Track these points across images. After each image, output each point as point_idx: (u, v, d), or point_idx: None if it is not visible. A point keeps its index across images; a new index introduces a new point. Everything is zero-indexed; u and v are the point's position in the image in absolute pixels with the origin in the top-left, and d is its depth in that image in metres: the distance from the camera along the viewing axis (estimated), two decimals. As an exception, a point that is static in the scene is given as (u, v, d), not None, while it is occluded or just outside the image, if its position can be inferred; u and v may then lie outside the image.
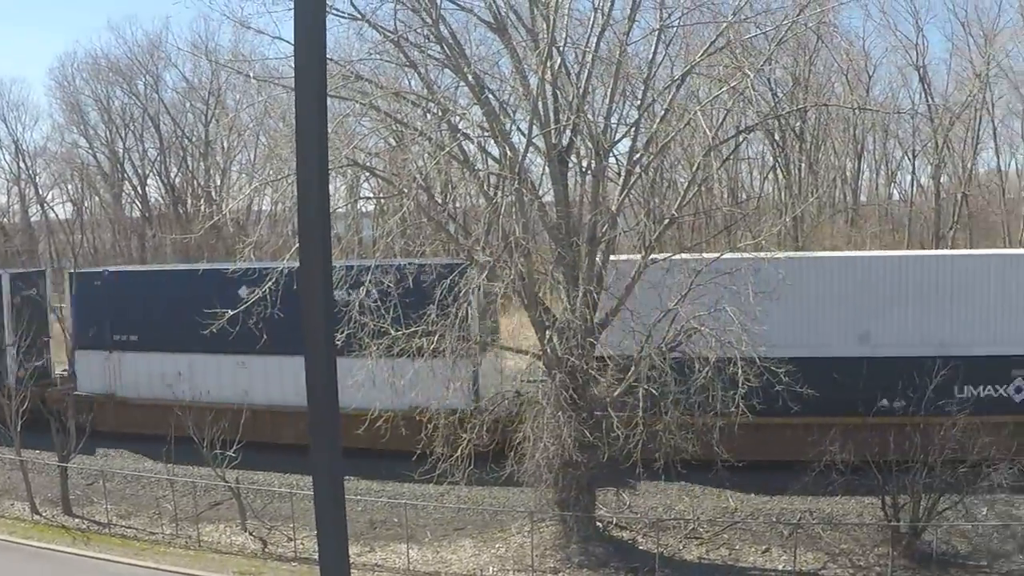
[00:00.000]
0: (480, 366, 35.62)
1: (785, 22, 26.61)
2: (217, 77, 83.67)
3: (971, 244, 78.73)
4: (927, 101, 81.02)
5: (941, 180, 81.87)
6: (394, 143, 29.51)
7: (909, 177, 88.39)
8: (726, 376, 25.64)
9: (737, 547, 29.76)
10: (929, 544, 28.82)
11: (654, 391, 25.83)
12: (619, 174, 28.45)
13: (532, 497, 30.27)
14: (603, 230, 27.81)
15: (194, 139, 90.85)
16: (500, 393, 31.02)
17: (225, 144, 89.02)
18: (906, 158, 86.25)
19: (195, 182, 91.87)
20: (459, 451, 26.53)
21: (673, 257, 28.62)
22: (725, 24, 26.04)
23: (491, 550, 30.16)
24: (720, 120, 28.91)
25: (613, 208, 28.26)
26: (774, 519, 30.87)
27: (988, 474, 28.31)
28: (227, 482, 32.21)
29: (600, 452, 26.92)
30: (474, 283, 26.33)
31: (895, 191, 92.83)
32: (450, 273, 26.75)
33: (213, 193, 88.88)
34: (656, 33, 27.08)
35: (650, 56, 27.52)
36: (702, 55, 26.59)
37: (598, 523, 29.92)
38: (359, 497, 32.85)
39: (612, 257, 29.16)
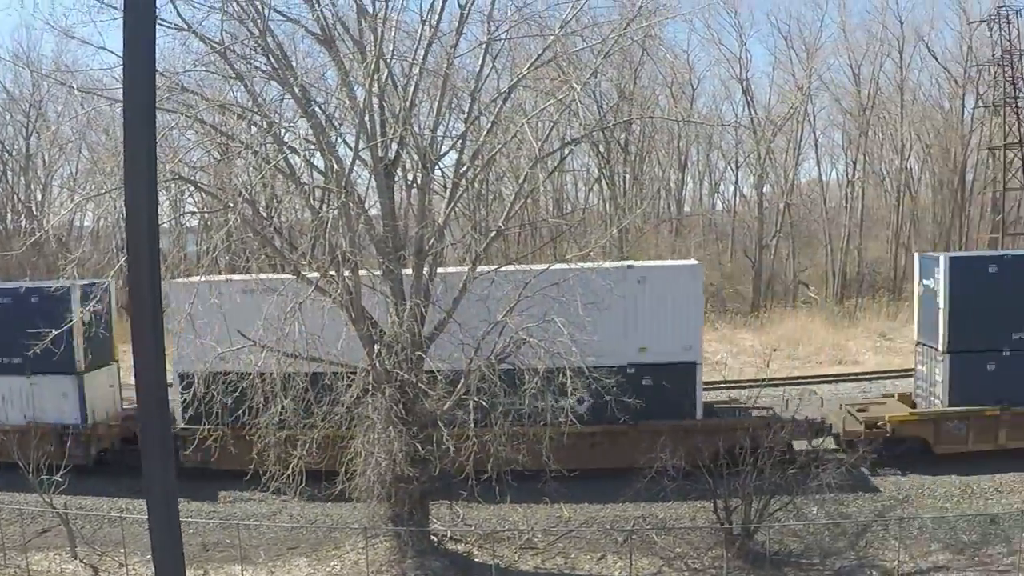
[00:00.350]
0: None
1: (612, 35, 26.94)
2: (39, 88, 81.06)
3: (793, 252, 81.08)
4: (750, 113, 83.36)
5: (764, 190, 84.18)
6: (219, 156, 28.92)
7: (732, 187, 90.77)
8: (555, 386, 25.78)
9: (573, 556, 29.90)
10: (762, 545, 29.44)
11: (484, 403, 25.81)
12: (445, 187, 28.36)
13: (366, 513, 29.94)
14: (430, 243, 27.69)
15: (14, 152, 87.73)
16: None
17: (46, 158, 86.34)
18: (729, 169, 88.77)
19: (15, 197, 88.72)
20: (290, 468, 26.12)
21: (500, 269, 28.64)
22: (552, 37, 26.20)
23: (326, 568, 29.74)
24: (546, 132, 29.12)
25: (440, 221, 28.17)
26: (608, 526, 31.13)
27: (817, 474, 29.09)
28: (55, 508, 31.10)
29: (432, 466, 26.78)
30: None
31: (718, 201, 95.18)
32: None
33: (34, 208, 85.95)
34: (483, 46, 27.12)
35: (477, 69, 27.56)
36: (529, 68, 26.72)
37: (433, 537, 29.73)
38: (190, 519, 32.06)
39: (440, 270, 29.03)
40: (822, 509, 32.28)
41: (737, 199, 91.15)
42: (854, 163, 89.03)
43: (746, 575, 28.70)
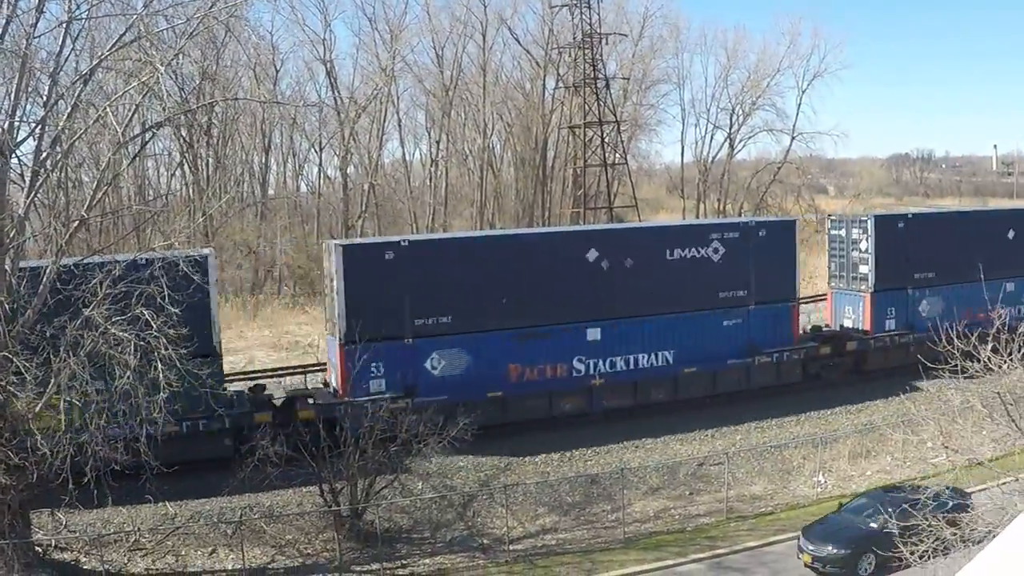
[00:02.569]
0: None
1: (197, 15, 26.06)
2: None
3: (379, 231, 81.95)
4: (334, 95, 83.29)
5: (348, 171, 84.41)
6: None
7: (316, 169, 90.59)
8: (148, 380, 24.70)
9: (183, 553, 29.08)
10: (372, 523, 29.71)
11: (77, 402, 24.45)
12: (24, 176, 26.55)
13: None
14: (11, 236, 25.88)
15: None
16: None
17: None
18: (313, 151, 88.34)
19: None
20: None
21: (85, 260, 27.21)
22: (135, 17, 25.08)
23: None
24: (129, 116, 27.92)
25: (20, 212, 26.37)
26: (216, 519, 30.39)
27: (419, 450, 29.48)
28: None
29: (29, 472, 25.11)
30: None
31: (303, 184, 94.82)
32: None
33: None
34: (64, 26, 25.55)
35: (57, 49, 25.94)
36: (111, 49, 25.47)
37: (37, 548, 27.96)
38: None
39: (22, 264, 27.19)
40: (427, 483, 32.87)
41: (322, 181, 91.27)
42: (437, 143, 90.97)
43: (359, 555, 28.86)
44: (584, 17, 66.79)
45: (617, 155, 72.37)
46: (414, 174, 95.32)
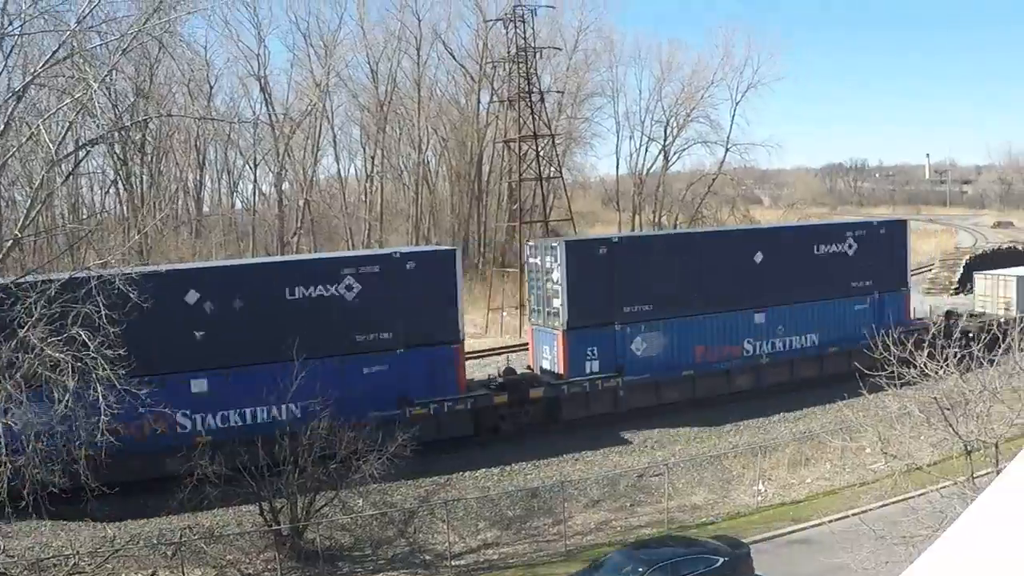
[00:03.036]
0: None
1: (130, 31, 25.84)
2: None
3: (315, 248, 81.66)
4: (268, 111, 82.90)
5: (283, 187, 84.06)
6: None
7: (251, 186, 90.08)
8: (88, 402, 24.33)
9: (123, 575, 28.64)
10: (313, 542, 29.49)
11: (13, 424, 24.08)
12: (-44, 195, 26.23)
13: None
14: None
15: None
16: None
17: None
18: (248, 167, 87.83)
19: None
20: None
21: (20, 280, 26.80)
22: (68, 33, 24.81)
23: None
24: (62, 134, 27.60)
25: (-48, 232, 26.01)
26: (155, 541, 30.02)
27: (358, 467, 29.33)
28: None
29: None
30: None
31: (238, 200, 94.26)
32: None
33: None
34: (-5, 41, 25.25)
35: (-12, 66, 25.64)
36: (44, 66, 25.17)
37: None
38: None
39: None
40: (367, 500, 32.72)
41: (257, 197, 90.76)
42: (372, 158, 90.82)
43: (300, 574, 28.70)
44: (518, 31, 66.88)
45: (552, 168, 72.59)
46: (349, 190, 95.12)
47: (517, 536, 31.41)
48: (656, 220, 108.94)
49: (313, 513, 29.47)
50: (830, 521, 30.50)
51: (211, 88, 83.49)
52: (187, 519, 31.06)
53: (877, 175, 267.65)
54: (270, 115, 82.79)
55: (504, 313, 67.28)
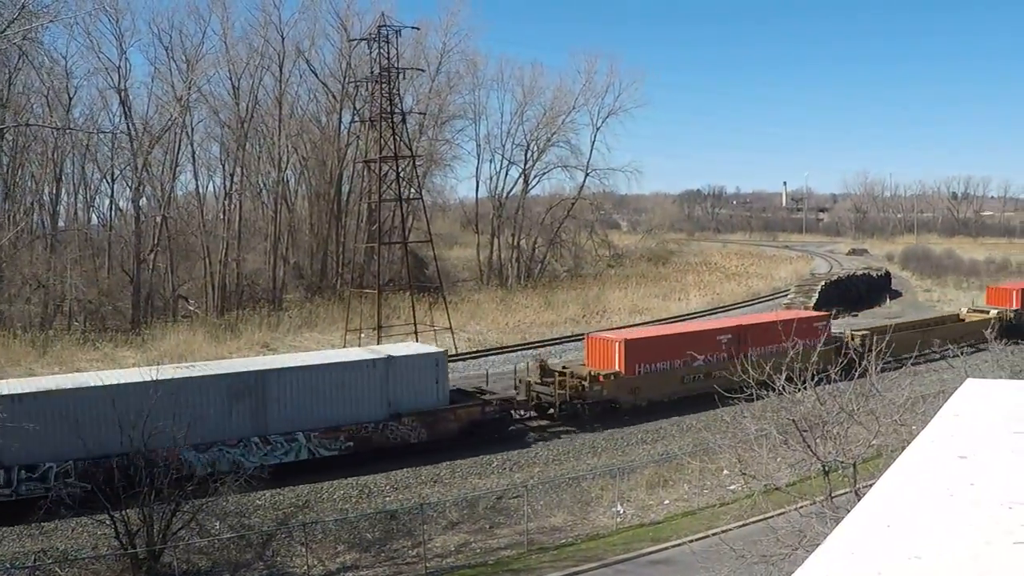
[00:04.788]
0: None
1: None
2: None
3: (172, 266, 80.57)
4: (128, 124, 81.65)
5: (141, 203, 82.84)
6: None
7: (108, 201, 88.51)
8: None
9: (-29, 603, 28.05)
10: (170, 565, 29.14)
11: None
12: None
13: None
14: None
15: None
16: None
17: None
18: (105, 182, 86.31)
19: None
20: None
21: None
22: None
23: None
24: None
25: None
26: (8, 565, 29.37)
27: (216, 488, 29.17)
28: None
29: None
30: None
31: (95, 215, 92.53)
32: None
33: None
34: None
35: None
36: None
37: None
38: None
39: None
40: (225, 523, 32.48)
41: (114, 213, 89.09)
42: (231, 175, 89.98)
43: (159, 596, 28.35)
44: (382, 51, 67.04)
45: (412, 190, 72.92)
46: (207, 207, 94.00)
47: (376, 559, 31.47)
48: (515, 243, 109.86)
49: (170, 536, 29.17)
50: (690, 541, 31.00)
51: (70, 99, 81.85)
52: (41, 542, 30.49)
53: (734, 202, 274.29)
54: (129, 129, 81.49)
55: (362, 335, 67.09)
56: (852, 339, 51.83)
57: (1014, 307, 69.12)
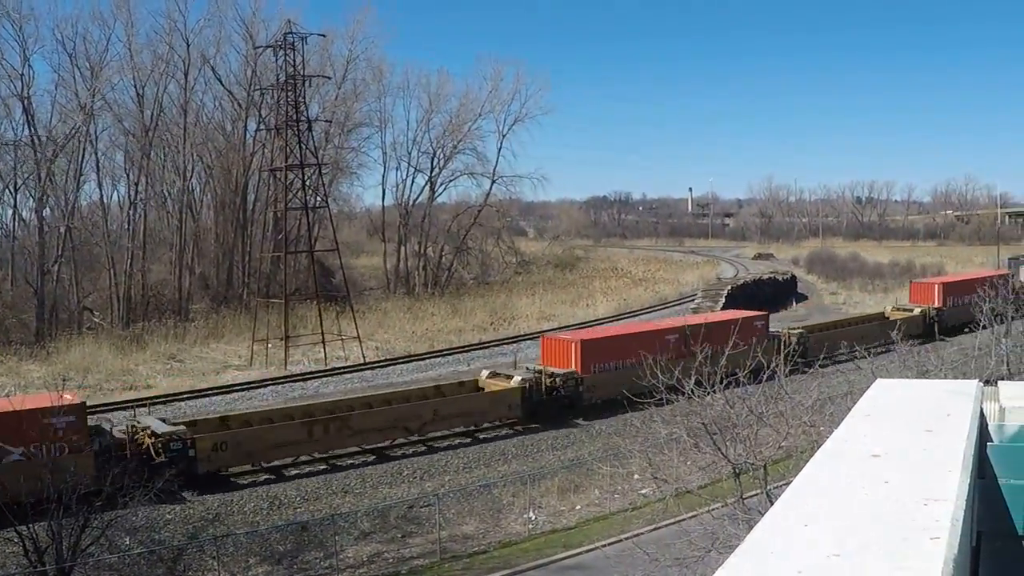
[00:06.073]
0: None
1: None
2: None
3: (76, 277, 79.53)
4: (31, 133, 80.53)
5: (44, 213, 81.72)
6: None
7: (11, 211, 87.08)
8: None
9: None
10: (80, 583, 28.94)
11: None
12: None
13: None
14: None
15: None
16: None
17: None
18: (8, 192, 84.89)
19: None
20: None
21: None
22: None
23: None
24: None
25: None
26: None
27: (125, 503, 29.02)
28: None
29: None
30: None
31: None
32: None
33: None
34: None
35: None
36: None
37: None
38: None
39: None
40: (135, 538, 32.30)
41: (17, 223, 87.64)
42: (136, 185, 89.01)
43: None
44: (288, 59, 66.89)
45: (318, 198, 72.73)
46: (112, 217, 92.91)
47: (289, 571, 31.48)
48: (422, 251, 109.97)
49: (80, 552, 28.95)
50: (603, 546, 31.47)
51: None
52: (-56, 560, 30.20)
53: (641, 208, 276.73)
54: (32, 137, 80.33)
55: (269, 345, 66.87)
56: (789, 338, 53.59)
57: (936, 305, 71.97)
